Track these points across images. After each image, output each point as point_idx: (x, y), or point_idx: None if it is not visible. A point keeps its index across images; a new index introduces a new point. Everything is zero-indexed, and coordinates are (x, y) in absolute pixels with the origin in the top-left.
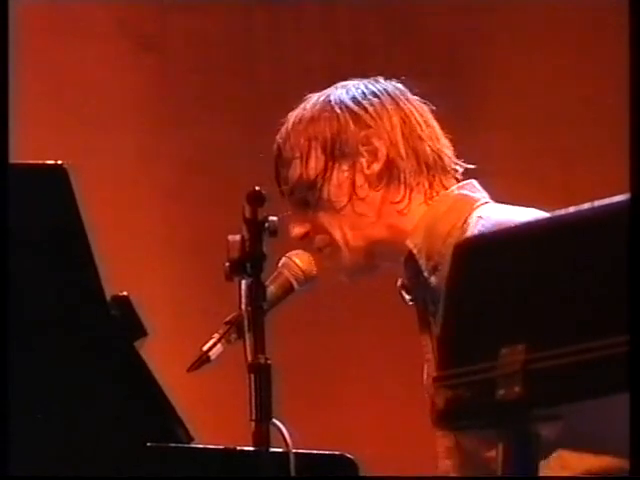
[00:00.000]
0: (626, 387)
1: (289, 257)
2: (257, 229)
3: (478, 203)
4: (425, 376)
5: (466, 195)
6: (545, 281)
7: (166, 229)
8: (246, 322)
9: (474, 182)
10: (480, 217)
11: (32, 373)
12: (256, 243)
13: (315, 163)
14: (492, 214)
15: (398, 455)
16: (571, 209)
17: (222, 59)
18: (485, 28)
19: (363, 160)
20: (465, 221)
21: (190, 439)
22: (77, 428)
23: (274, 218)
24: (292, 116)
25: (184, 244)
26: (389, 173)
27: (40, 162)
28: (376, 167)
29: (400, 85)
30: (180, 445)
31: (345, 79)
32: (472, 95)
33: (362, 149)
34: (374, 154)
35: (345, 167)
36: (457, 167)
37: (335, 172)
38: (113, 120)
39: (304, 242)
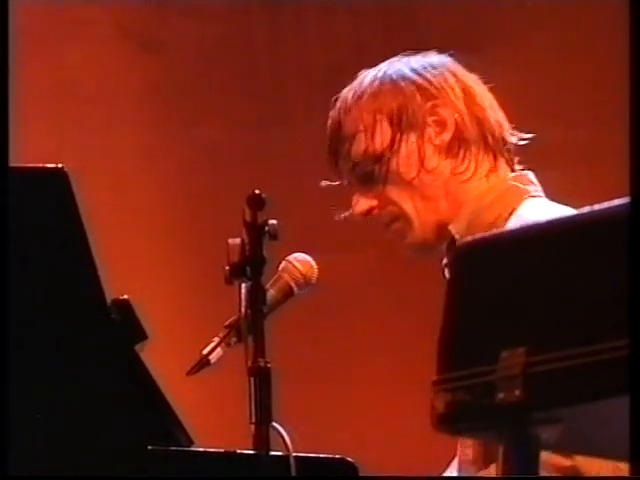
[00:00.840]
0: (626, 390)
1: (289, 261)
2: (257, 232)
3: (527, 195)
4: None
5: (517, 187)
6: (545, 284)
7: (166, 232)
8: (246, 325)
9: (530, 174)
10: (518, 215)
11: (32, 376)
12: (256, 246)
13: (382, 136)
14: (530, 213)
15: (399, 459)
16: (571, 212)
17: (222, 60)
18: (486, 28)
19: (431, 130)
20: (511, 213)
21: (190, 442)
22: (77, 431)
23: (274, 221)
24: (350, 92)
25: (184, 247)
26: (457, 143)
27: (40, 165)
28: (446, 137)
29: (453, 59)
30: (180, 448)
31: (346, 79)
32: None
33: (429, 120)
34: (443, 124)
35: (413, 138)
36: (513, 139)
37: (403, 143)
38: (113, 122)
39: (367, 218)
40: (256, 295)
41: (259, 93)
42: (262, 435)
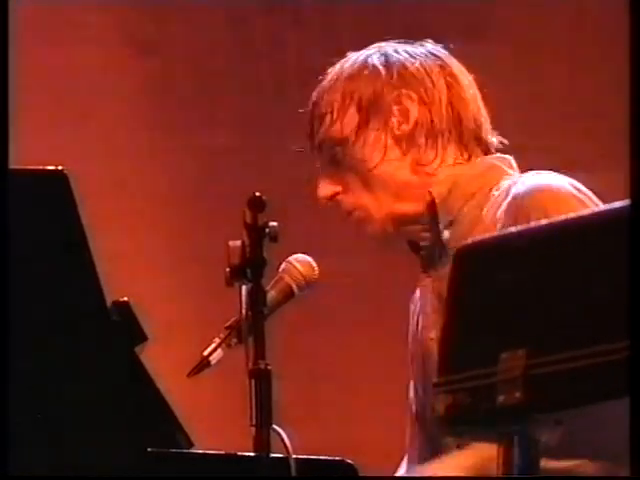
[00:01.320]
0: (626, 392)
1: (290, 262)
2: (258, 234)
3: (507, 176)
4: (419, 328)
5: (499, 166)
6: (546, 286)
7: (166, 234)
8: (246, 327)
9: (510, 159)
10: (514, 182)
11: (32, 377)
12: (256, 248)
13: (349, 120)
14: (526, 179)
15: (399, 461)
16: (572, 214)
17: (222, 62)
18: (487, 32)
19: (395, 120)
20: (491, 189)
21: (190, 444)
22: (76, 433)
23: (274, 223)
24: (331, 73)
25: (184, 249)
26: (421, 135)
27: (40, 167)
28: (405, 128)
29: (445, 50)
30: (180, 450)
31: None
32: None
33: (394, 108)
34: (405, 114)
35: (377, 126)
36: (492, 140)
37: (366, 131)
38: (113, 125)
39: (331, 204)
40: (256, 297)
41: (259, 96)
42: (262, 437)
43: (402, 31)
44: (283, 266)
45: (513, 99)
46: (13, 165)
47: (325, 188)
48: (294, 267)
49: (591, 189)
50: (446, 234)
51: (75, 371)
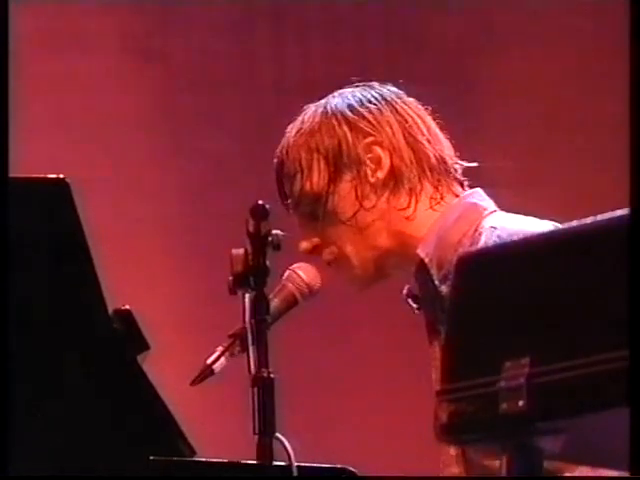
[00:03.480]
0: (628, 401)
1: (293, 270)
2: (260, 243)
3: (487, 212)
4: (435, 384)
5: (475, 204)
6: (548, 295)
7: (169, 242)
8: (250, 335)
9: (480, 191)
10: (494, 227)
11: (33, 386)
12: (259, 257)
13: (318, 176)
14: (506, 224)
15: (401, 469)
16: (573, 223)
17: (224, 70)
18: (488, 36)
19: (367, 169)
20: (476, 230)
21: (193, 453)
22: (78, 442)
23: (278, 232)
24: (291, 129)
25: (187, 257)
26: (394, 180)
27: (42, 176)
28: (380, 175)
29: (395, 88)
30: (183, 459)
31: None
32: (474, 104)
33: (365, 158)
34: (378, 162)
35: (349, 177)
36: (458, 167)
37: (340, 183)
38: (115, 133)
39: (313, 256)
40: (259, 305)
41: (262, 104)
42: (265, 445)
43: (404, 42)
44: (286, 274)
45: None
46: (14, 173)
47: (304, 243)
48: (297, 275)
49: (591, 193)
50: (444, 289)
51: (77, 380)
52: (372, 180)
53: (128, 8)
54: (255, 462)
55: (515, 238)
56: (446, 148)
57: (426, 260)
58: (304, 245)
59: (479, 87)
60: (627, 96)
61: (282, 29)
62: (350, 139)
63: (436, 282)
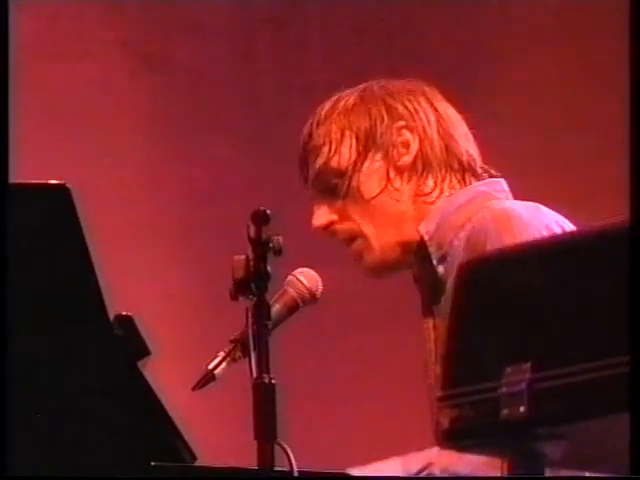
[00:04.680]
0: (629, 406)
1: (294, 275)
2: (262, 248)
3: (495, 200)
4: (427, 357)
5: (487, 191)
6: (549, 300)
7: (170, 248)
8: (251, 341)
9: (502, 182)
10: (483, 210)
11: (33, 392)
12: (261, 262)
13: (348, 151)
14: (494, 204)
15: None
16: (575, 229)
17: (226, 77)
18: (489, 40)
19: (396, 151)
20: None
21: (194, 458)
22: (79, 448)
23: (279, 237)
24: (323, 107)
25: (188, 263)
26: (422, 166)
27: (42, 182)
28: (408, 159)
29: (432, 87)
30: (184, 464)
31: None
32: (476, 109)
33: (395, 140)
34: (406, 146)
35: (378, 157)
36: (485, 173)
37: (367, 161)
38: (116, 139)
39: (326, 233)
40: (261, 310)
41: (263, 109)
42: (266, 451)
43: (405, 49)
44: (288, 279)
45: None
46: (15, 179)
47: (321, 217)
48: (299, 280)
49: (592, 195)
50: (441, 269)
51: (77, 385)
52: (399, 163)
53: (129, 13)
54: (256, 468)
55: (496, 218)
56: (475, 150)
57: (426, 238)
58: (321, 219)
59: (479, 91)
60: (627, 99)
61: (282, 34)
62: (383, 121)
63: (434, 261)
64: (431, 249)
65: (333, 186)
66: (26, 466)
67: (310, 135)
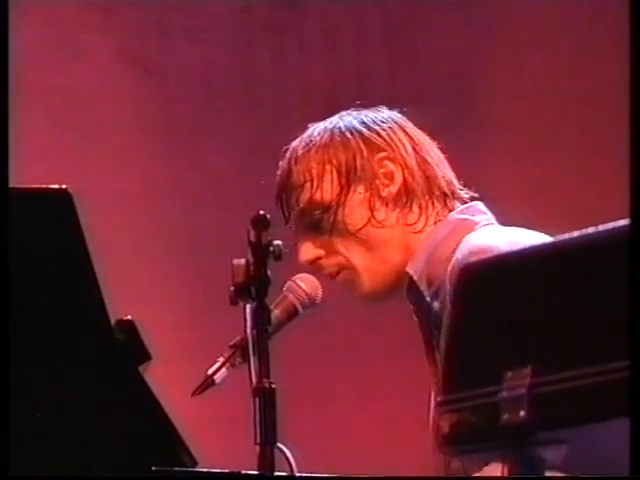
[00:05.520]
0: (629, 411)
1: (294, 281)
2: (262, 253)
3: (478, 226)
4: (433, 401)
5: (465, 219)
6: (549, 305)
7: (171, 253)
8: (251, 346)
9: (479, 204)
10: (466, 240)
11: (35, 398)
12: (261, 267)
13: (330, 186)
14: (474, 238)
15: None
16: (574, 234)
17: (224, 85)
18: (489, 51)
19: (379, 183)
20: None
21: (194, 463)
22: (80, 452)
23: (279, 242)
24: (299, 143)
25: (188, 268)
26: (405, 196)
27: (44, 186)
28: (393, 189)
29: (401, 115)
30: (184, 469)
31: (348, 104)
32: (475, 121)
33: (378, 172)
34: (390, 177)
35: (361, 190)
36: (463, 194)
37: (351, 194)
38: (115, 145)
39: (312, 268)
40: (261, 315)
41: (262, 117)
42: (267, 455)
43: (404, 55)
44: (287, 285)
45: None
46: (15, 184)
47: (307, 252)
48: (298, 286)
49: (592, 209)
50: (436, 305)
51: (78, 390)
52: (384, 194)
53: (127, 19)
54: (256, 472)
55: (473, 254)
56: (451, 174)
57: (415, 277)
58: (306, 256)
59: (478, 98)
60: (627, 109)
61: (282, 43)
62: (365, 153)
63: (427, 299)
64: (422, 287)
65: (317, 221)
66: (25, 467)
67: (289, 172)
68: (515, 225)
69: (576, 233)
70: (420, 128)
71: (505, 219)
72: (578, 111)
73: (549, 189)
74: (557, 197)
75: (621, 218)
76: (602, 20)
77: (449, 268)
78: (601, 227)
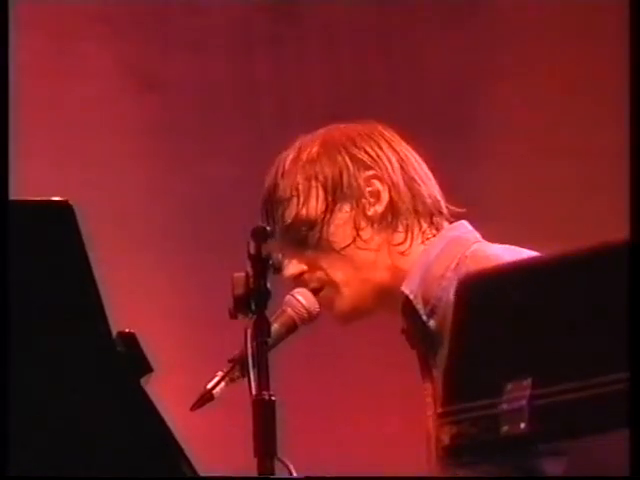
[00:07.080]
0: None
1: (293, 295)
2: (261, 265)
3: (470, 243)
4: (428, 421)
5: (458, 236)
6: (549, 317)
7: (170, 265)
8: (250, 358)
9: (465, 223)
10: (466, 256)
11: (35, 408)
12: (260, 279)
13: (316, 202)
14: (479, 252)
15: None
16: (574, 247)
17: (224, 97)
18: (489, 66)
19: (366, 202)
20: (458, 263)
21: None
22: (79, 463)
23: (278, 254)
24: (286, 157)
25: (188, 281)
26: (391, 215)
27: (45, 199)
28: (379, 209)
29: (390, 130)
30: (185, 478)
31: (347, 114)
32: (475, 134)
33: (365, 190)
34: (377, 196)
35: (347, 208)
36: (448, 210)
37: (336, 212)
38: (115, 158)
39: (297, 283)
40: (260, 328)
41: (262, 130)
42: (266, 468)
43: (403, 65)
44: (286, 299)
45: None
46: (15, 196)
47: (292, 267)
48: (297, 301)
49: (590, 227)
50: (432, 324)
51: (79, 402)
52: (370, 213)
53: (128, 32)
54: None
55: (482, 265)
56: (437, 191)
57: (411, 297)
58: (292, 270)
59: (479, 109)
60: (627, 126)
61: (282, 55)
62: (351, 169)
63: (423, 317)
64: (418, 306)
65: (303, 237)
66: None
67: (275, 186)
68: (511, 236)
69: (575, 246)
70: (417, 142)
71: (501, 231)
72: (577, 122)
73: (547, 198)
74: (555, 206)
75: (621, 228)
76: (602, 30)
77: (448, 283)
78: (599, 240)
